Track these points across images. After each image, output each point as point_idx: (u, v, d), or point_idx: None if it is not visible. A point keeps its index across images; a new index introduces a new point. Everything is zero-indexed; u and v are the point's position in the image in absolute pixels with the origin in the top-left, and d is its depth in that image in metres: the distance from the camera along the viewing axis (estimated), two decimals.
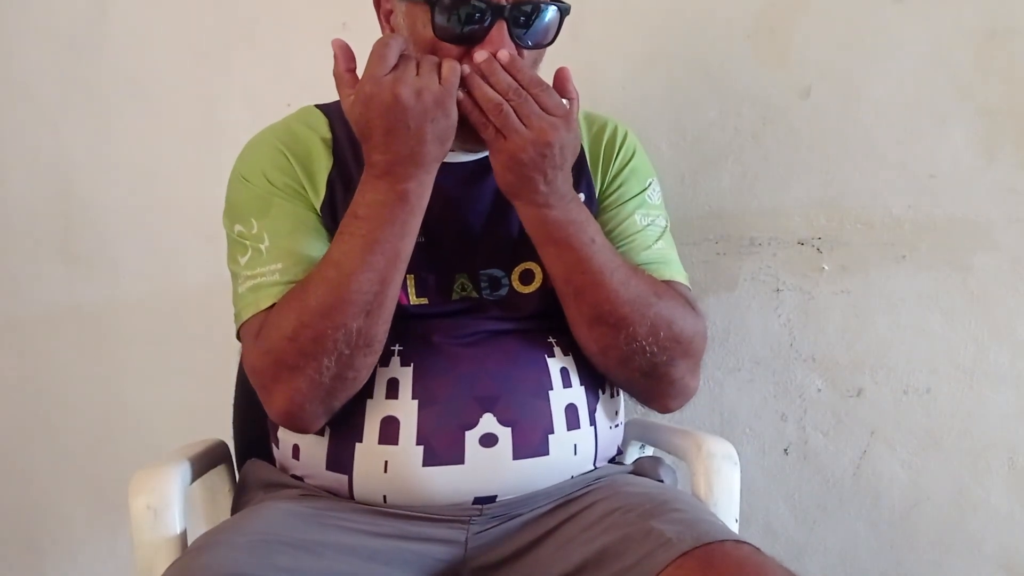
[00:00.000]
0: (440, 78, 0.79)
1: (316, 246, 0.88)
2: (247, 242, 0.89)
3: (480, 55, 0.81)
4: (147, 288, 1.50)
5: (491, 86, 0.80)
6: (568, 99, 0.85)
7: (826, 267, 1.26)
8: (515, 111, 0.80)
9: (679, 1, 1.28)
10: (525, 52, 0.86)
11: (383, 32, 0.92)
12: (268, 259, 0.87)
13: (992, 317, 1.20)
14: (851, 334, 1.25)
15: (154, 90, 1.47)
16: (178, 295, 1.49)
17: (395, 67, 0.79)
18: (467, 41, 0.83)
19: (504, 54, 0.81)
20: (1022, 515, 1.21)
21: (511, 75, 0.81)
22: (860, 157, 1.22)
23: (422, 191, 0.82)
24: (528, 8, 0.83)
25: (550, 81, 0.85)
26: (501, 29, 0.82)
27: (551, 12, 0.85)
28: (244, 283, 0.88)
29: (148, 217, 1.49)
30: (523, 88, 0.81)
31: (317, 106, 0.98)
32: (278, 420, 0.87)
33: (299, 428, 0.87)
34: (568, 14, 0.87)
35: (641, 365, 0.89)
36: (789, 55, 1.24)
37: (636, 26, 1.30)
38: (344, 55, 0.83)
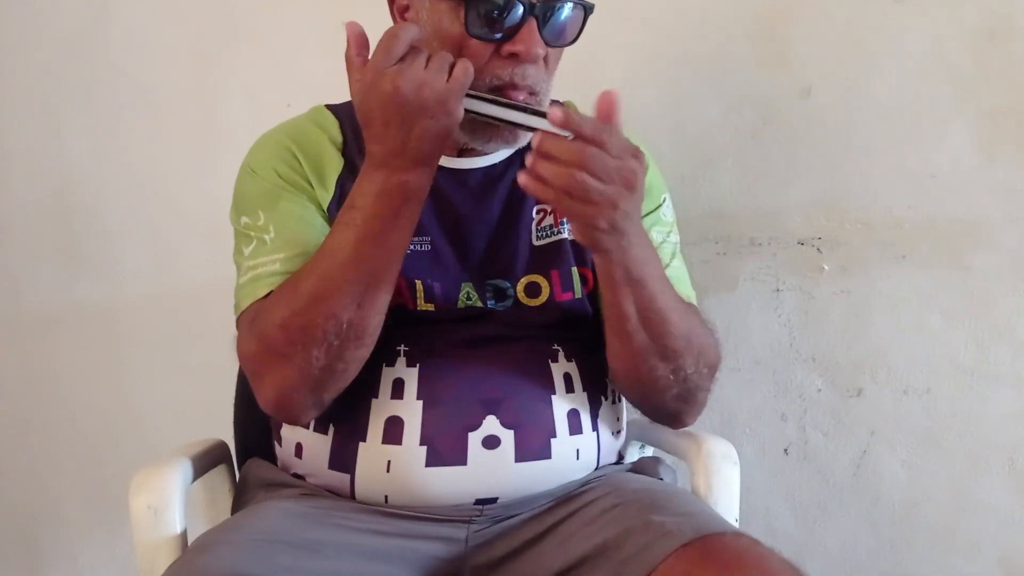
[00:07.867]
0: (450, 76, 0.76)
1: (321, 240, 0.87)
2: (252, 233, 0.89)
3: (535, 139, 0.72)
4: (148, 287, 1.50)
5: (558, 161, 0.70)
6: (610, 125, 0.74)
7: (826, 267, 1.26)
8: (591, 175, 0.70)
9: (679, 1, 1.28)
10: (550, 50, 0.85)
11: None
12: (271, 249, 0.87)
13: (992, 317, 1.20)
14: (851, 334, 1.25)
15: (154, 90, 1.47)
16: (179, 295, 1.49)
17: (403, 59, 0.76)
18: (498, 38, 0.82)
19: (556, 113, 0.71)
20: (1022, 515, 1.21)
21: (574, 129, 0.70)
22: (860, 157, 1.22)
23: (419, 184, 0.80)
24: (556, 6, 0.82)
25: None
26: (532, 27, 0.81)
27: (577, 10, 0.85)
28: (246, 274, 0.88)
29: (149, 216, 1.49)
30: (588, 142, 0.70)
31: (328, 107, 0.97)
32: (267, 409, 0.86)
33: (289, 418, 0.87)
34: (592, 13, 0.86)
35: (680, 391, 0.89)
36: (789, 55, 1.24)
37: (636, 26, 1.29)
38: (356, 41, 0.79)
